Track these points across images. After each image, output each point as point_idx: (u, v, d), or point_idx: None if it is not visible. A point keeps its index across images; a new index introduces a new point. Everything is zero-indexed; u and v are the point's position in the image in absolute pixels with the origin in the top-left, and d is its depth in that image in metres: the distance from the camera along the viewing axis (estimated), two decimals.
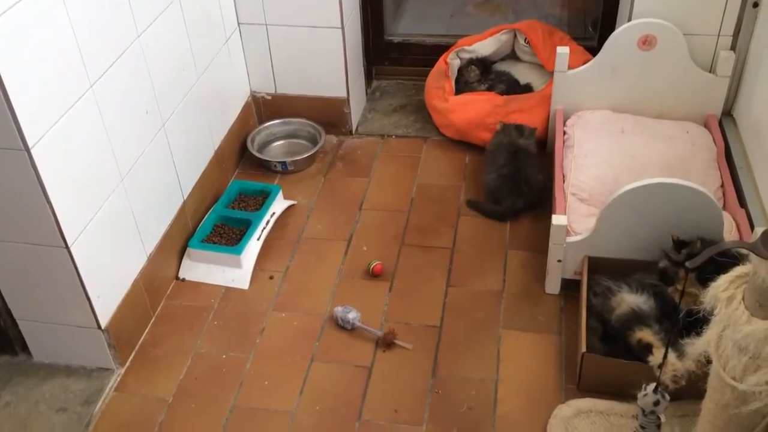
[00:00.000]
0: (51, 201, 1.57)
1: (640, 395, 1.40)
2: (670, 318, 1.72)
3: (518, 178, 2.25)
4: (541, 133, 2.49)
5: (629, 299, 1.77)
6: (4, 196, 1.58)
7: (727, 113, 2.35)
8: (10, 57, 1.41)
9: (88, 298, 1.75)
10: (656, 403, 1.36)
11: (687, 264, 1.15)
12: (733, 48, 2.24)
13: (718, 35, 2.23)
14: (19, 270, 1.72)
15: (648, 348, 1.64)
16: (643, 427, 1.42)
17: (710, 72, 2.26)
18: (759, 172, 2.06)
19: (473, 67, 2.60)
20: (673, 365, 1.55)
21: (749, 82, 2.24)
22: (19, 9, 1.43)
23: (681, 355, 1.47)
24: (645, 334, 1.67)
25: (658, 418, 1.40)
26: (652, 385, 1.37)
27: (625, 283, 1.81)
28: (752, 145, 2.15)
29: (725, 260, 1.34)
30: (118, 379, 1.87)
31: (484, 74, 2.62)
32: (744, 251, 1.17)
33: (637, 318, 1.72)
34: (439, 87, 2.61)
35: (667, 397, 1.35)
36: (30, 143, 1.49)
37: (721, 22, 2.20)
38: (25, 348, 1.90)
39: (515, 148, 2.30)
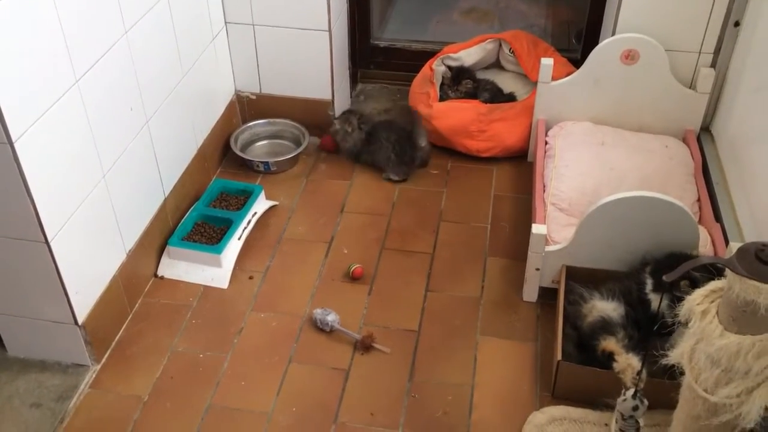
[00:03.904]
0: (32, 195, 1.56)
1: (619, 400, 1.42)
2: (638, 325, 1.76)
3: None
4: (523, 143, 2.52)
5: (600, 306, 1.79)
6: None
7: (706, 129, 2.39)
8: None
9: (66, 294, 1.74)
10: (635, 408, 1.39)
11: (664, 278, 1.18)
12: (713, 65, 2.28)
13: (699, 52, 2.27)
14: None
15: (611, 356, 1.67)
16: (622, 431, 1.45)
17: (690, 88, 2.30)
18: (734, 188, 2.10)
19: (464, 81, 2.62)
20: (633, 367, 1.58)
21: (728, 100, 2.29)
22: (7, 2, 1.42)
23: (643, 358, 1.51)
24: (608, 344, 1.70)
25: (637, 422, 1.42)
26: (632, 390, 1.40)
27: (597, 290, 1.84)
28: (729, 161, 2.20)
29: (699, 274, 1.38)
30: (94, 376, 1.86)
31: (455, 80, 2.63)
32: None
33: (603, 327, 1.74)
34: (423, 93, 2.62)
35: (646, 402, 1.38)
36: (14, 137, 1.48)
37: (703, 40, 2.24)
38: None
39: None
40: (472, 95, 2.60)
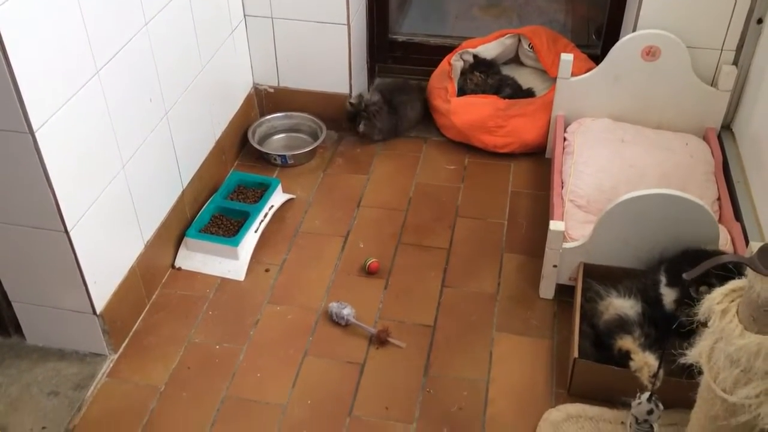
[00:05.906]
0: (53, 185, 1.57)
1: (634, 403, 1.41)
2: (655, 323, 1.74)
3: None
4: (542, 139, 2.50)
5: (616, 304, 1.78)
6: (7, 178, 1.58)
7: (727, 127, 2.37)
8: (18, 41, 1.42)
9: (85, 283, 1.75)
10: (650, 412, 1.38)
11: (684, 275, 1.17)
12: (735, 63, 2.26)
13: (721, 49, 2.25)
14: (17, 252, 1.72)
15: (627, 354, 1.66)
16: None
17: (712, 85, 2.27)
18: (755, 187, 2.08)
19: (477, 73, 2.61)
20: (650, 366, 1.57)
21: (750, 98, 2.26)
22: None
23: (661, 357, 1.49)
24: (625, 342, 1.69)
25: (651, 427, 1.41)
26: (646, 394, 1.39)
27: (614, 288, 1.82)
28: (750, 159, 2.18)
29: (720, 273, 1.36)
30: (111, 365, 1.87)
31: (470, 69, 2.63)
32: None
33: (620, 325, 1.73)
34: (441, 88, 2.62)
35: (661, 406, 1.37)
36: (35, 127, 1.49)
37: (725, 37, 2.22)
38: (18, 330, 1.90)
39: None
40: (494, 90, 2.59)
